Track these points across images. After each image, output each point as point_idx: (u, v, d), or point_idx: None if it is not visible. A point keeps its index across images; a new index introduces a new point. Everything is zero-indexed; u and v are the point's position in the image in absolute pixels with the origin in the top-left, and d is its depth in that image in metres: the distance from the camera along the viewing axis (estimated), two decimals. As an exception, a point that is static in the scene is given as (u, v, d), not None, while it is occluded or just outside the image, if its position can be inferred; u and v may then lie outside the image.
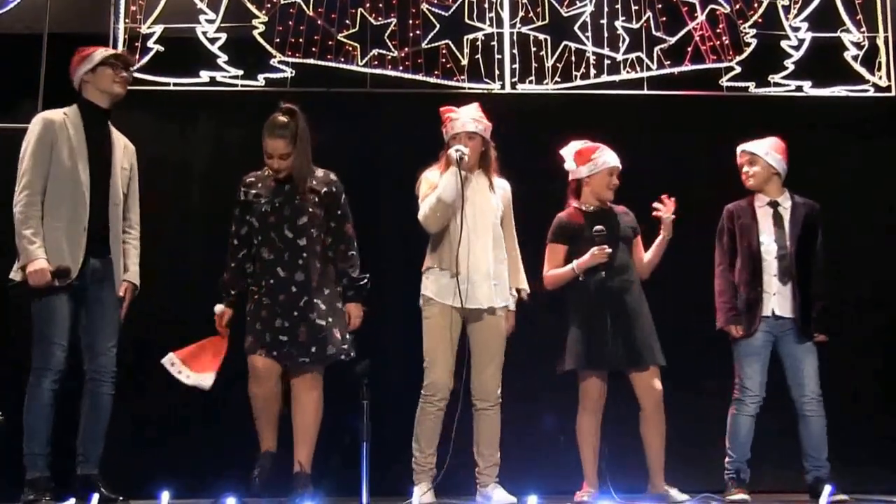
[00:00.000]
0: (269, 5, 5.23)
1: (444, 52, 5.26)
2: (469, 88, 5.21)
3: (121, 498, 3.91)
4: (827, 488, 3.90)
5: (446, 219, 4.08)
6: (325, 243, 4.05)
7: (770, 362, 4.33)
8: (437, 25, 5.27)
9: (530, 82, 5.28)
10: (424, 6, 5.28)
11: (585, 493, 4.22)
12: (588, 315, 4.20)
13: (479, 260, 4.09)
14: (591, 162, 4.36)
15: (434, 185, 4.11)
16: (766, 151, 4.42)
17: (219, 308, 4.07)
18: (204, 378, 4.02)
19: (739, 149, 4.51)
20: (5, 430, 4.11)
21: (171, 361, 4.03)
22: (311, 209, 4.00)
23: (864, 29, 5.34)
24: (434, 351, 4.09)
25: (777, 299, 4.28)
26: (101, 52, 4.07)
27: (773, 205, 4.40)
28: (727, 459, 4.31)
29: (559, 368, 4.27)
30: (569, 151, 4.43)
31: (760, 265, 4.31)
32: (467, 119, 4.19)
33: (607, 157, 4.36)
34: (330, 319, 3.96)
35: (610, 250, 4.16)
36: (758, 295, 4.29)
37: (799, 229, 4.33)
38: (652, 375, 4.22)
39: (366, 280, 4.10)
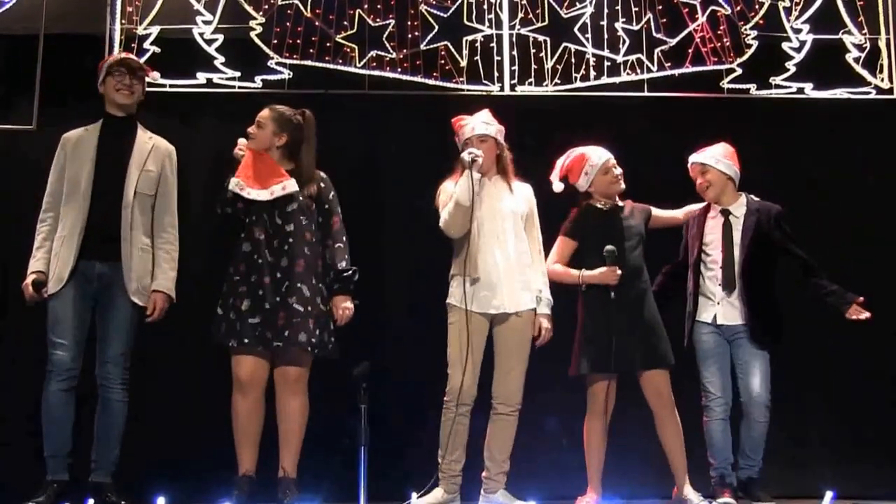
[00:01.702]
0: (266, 6, 5.21)
1: (442, 53, 5.24)
2: (468, 90, 5.19)
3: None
4: (829, 494, 3.87)
5: (467, 223, 4.08)
6: (313, 236, 4.06)
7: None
8: (436, 27, 5.25)
9: (530, 84, 5.25)
10: (423, 7, 5.26)
11: (589, 498, 4.19)
12: (600, 318, 4.17)
13: (497, 264, 4.08)
14: (583, 173, 4.34)
15: (450, 193, 4.12)
16: (716, 159, 4.38)
17: (242, 141, 4.10)
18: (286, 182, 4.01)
19: (690, 161, 4.47)
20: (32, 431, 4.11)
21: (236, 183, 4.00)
22: (300, 198, 4.05)
23: (865, 31, 5.32)
24: (455, 356, 4.07)
25: (722, 308, 4.27)
26: (107, 63, 4.12)
27: (725, 213, 4.37)
28: (710, 467, 4.26)
29: (571, 372, 4.25)
30: (556, 177, 4.39)
31: (701, 274, 4.32)
32: (477, 122, 4.22)
33: (594, 159, 4.33)
34: (309, 308, 3.95)
35: (620, 272, 4.14)
36: (696, 303, 4.31)
37: (750, 236, 4.28)
38: (662, 378, 4.20)
39: (351, 271, 4.07)
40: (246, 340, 3.91)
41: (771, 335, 4.25)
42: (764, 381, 4.22)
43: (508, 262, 4.11)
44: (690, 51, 5.27)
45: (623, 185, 4.35)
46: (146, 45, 5.13)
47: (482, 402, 4.13)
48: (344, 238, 4.12)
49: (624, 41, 5.28)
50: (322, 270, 4.06)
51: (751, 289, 4.25)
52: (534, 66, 5.26)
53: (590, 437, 4.23)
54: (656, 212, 4.45)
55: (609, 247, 4.15)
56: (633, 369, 4.18)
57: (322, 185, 4.14)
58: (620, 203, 4.38)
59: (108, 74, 4.07)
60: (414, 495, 4.00)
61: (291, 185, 4.00)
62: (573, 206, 4.39)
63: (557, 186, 4.39)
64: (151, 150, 4.10)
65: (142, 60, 5.03)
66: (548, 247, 4.34)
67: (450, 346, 4.12)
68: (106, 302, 3.96)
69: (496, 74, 5.24)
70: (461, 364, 4.03)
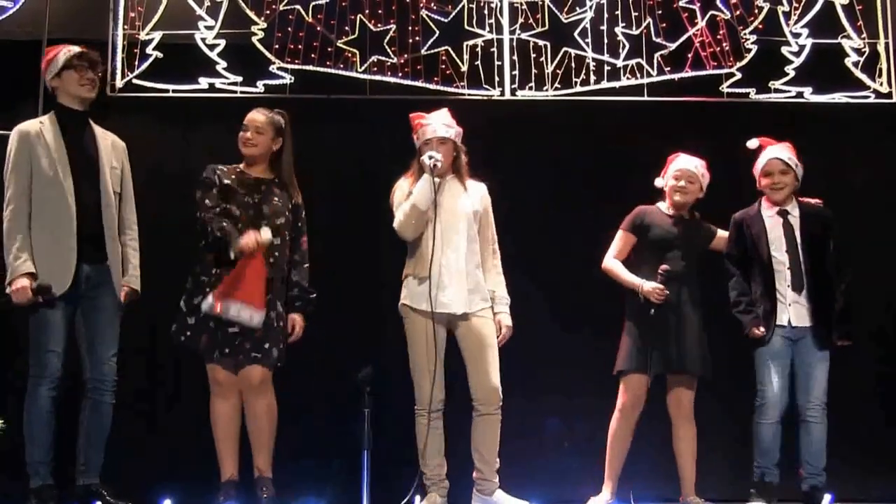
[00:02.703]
0: (268, 12, 5.22)
1: (443, 58, 5.25)
2: (469, 95, 5.20)
3: None
4: (826, 497, 3.88)
5: (421, 226, 4.04)
6: (290, 250, 4.09)
7: None
8: (437, 32, 5.26)
9: (530, 88, 5.26)
10: (424, 12, 5.27)
11: (602, 497, 4.23)
12: (643, 320, 4.22)
13: (452, 264, 4.04)
14: (667, 170, 4.44)
15: (405, 193, 4.09)
16: (796, 163, 4.38)
17: (267, 233, 3.91)
18: (253, 312, 3.85)
19: (771, 156, 4.39)
20: (9, 437, 4.11)
21: (210, 305, 3.84)
22: (286, 213, 4.07)
23: (864, 35, 5.33)
24: (419, 363, 4.03)
25: (794, 309, 4.26)
26: (63, 55, 3.97)
27: (783, 214, 4.37)
28: (754, 464, 4.28)
29: (616, 369, 4.29)
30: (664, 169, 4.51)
31: (773, 276, 4.29)
32: (439, 124, 4.15)
33: (675, 164, 4.42)
34: (281, 324, 4.02)
35: (668, 293, 4.19)
36: (773, 306, 4.27)
37: (809, 238, 4.31)
38: (686, 384, 4.25)
39: (315, 295, 4.12)
40: (227, 350, 3.94)
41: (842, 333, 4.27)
42: (823, 383, 4.24)
43: (460, 262, 4.06)
44: (690, 55, 5.28)
45: (682, 198, 4.37)
46: (148, 50, 5.14)
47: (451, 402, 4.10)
48: (307, 258, 4.15)
49: (624, 46, 5.29)
50: (283, 285, 4.08)
51: (817, 289, 4.26)
52: (534, 70, 5.27)
53: (615, 436, 4.26)
54: (721, 233, 4.47)
55: (665, 266, 4.21)
56: (666, 372, 4.22)
57: (298, 200, 4.17)
58: (686, 216, 4.42)
59: (69, 68, 3.95)
60: (417, 498, 4.01)
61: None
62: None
63: (658, 182, 4.48)
64: (112, 146, 4.05)
65: (144, 66, 5.11)
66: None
67: (412, 352, 4.06)
68: (94, 303, 3.91)
69: (497, 79, 5.25)
70: (427, 371, 3.99)
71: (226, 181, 4.05)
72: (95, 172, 3.94)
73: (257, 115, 4.15)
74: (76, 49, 4.03)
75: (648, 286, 4.21)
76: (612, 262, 4.36)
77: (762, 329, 4.24)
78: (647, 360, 4.17)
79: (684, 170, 4.39)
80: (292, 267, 4.10)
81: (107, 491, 3.91)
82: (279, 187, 4.13)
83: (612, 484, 4.25)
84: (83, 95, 3.98)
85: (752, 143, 4.46)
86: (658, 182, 4.48)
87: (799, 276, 4.27)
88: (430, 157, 4.02)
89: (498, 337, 4.12)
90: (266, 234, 3.91)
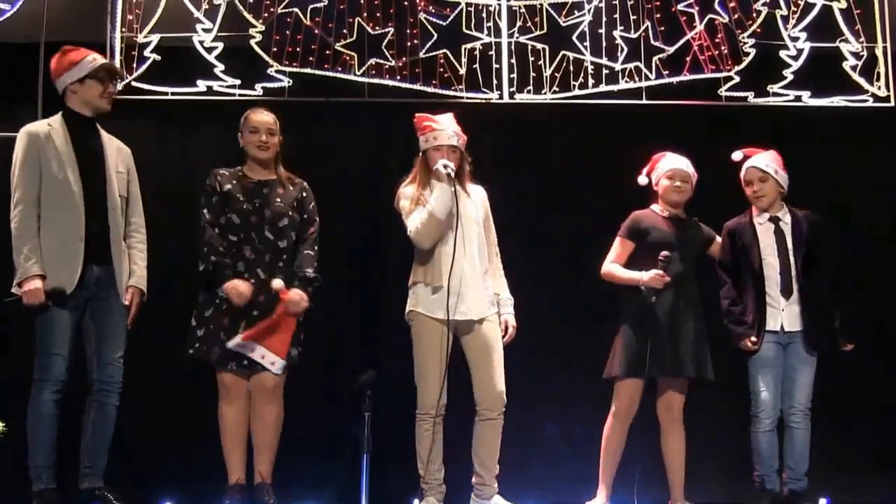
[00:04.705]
0: (266, 14, 5.21)
1: (441, 61, 5.25)
2: (467, 98, 5.20)
3: None
4: (822, 502, 3.89)
5: (440, 235, 3.99)
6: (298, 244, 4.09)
7: None
8: (435, 35, 5.25)
9: (528, 92, 5.26)
10: (422, 15, 5.26)
11: (597, 501, 4.22)
12: (639, 323, 4.21)
13: (466, 271, 4.03)
14: (655, 169, 4.43)
15: (414, 199, 4.04)
16: (774, 169, 4.39)
17: (278, 283, 3.95)
18: (276, 359, 3.91)
19: (748, 164, 4.43)
20: (9, 440, 4.10)
21: (239, 344, 3.89)
22: (290, 213, 4.06)
23: (862, 39, 5.32)
24: (425, 368, 4.01)
25: (786, 315, 4.26)
26: (89, 62, 3.98)
27: (774, 220, 4.38)
28: (754, 472, 4.27)
29: (606, 373, 4.27)
30: (645, 171, 4.50)
31: (764, 283, 4.29)
32: (451, 132, 4.10)
33: (665, 163, 4.41)
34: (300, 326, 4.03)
35: (668, 279, 4.17)
36: (763, 314, 4.27)
37: (802, 243, 4.32)
38: (677, 388, 4.25)
39: (315, 276, 4.07)
40: (245, 362, 3.94)
41: (827, 342, 4.28)
42: (807, 388, 4.24)
43: (474, 269, 4.05)
44: (688, 59, 5.28)
45: (680, 198, 4.37)
46: (146, 52, 5.12)
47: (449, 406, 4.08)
48: (315, 247, 4.12)
49: (622, 49, 5.29)
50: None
51: (808, 294, 4.26)
52: (532, 73, 5.27)
53: (609, 439, 4.25)
54: (719, 239, 4.47)
55: (666, 252, 4.19)
56: (660, 376, 4.22)
57: (304, 193, 4.15)
58: (683, 216, 4.41)
59: (94, 78, 3.97)
60: (416, 502, 4.01)
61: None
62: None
63: (642, 180, 4.47)
64: (117, 151, 4.06)
65: (142, 68, 5.11)
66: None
67: (418, 358, 4.03)
68: (101, 305, 3.93)
69: (495, 82, 5.25)
70: (434, 377, 3.97)
71: (227, 186, 4.05)
72: (103, 176, 3.95)
73: (266, 117, 4.15)
74: (102, 60, 4.07)
75: (648, 275, 4.19)
76: (610, 265, 4.35)
77: (754, 340, 4.25)
78: (642, 364, 4.15)
79: (678, 169, 4.38)
80: (296, 256, 4.09)
81: (111, 494, 3.91)
82: (281, 186, 4.12)
83: (606, 489, 4.25)
84: (101, 107, 4.02)
85: (737, 156, 4.48)
86: (642, 180, 4.46)
87: (789, 281, 4.27)
88: (445, 166, 3.96)
89: (504, 337, 4.13)
90: (277, 283, 3.94)
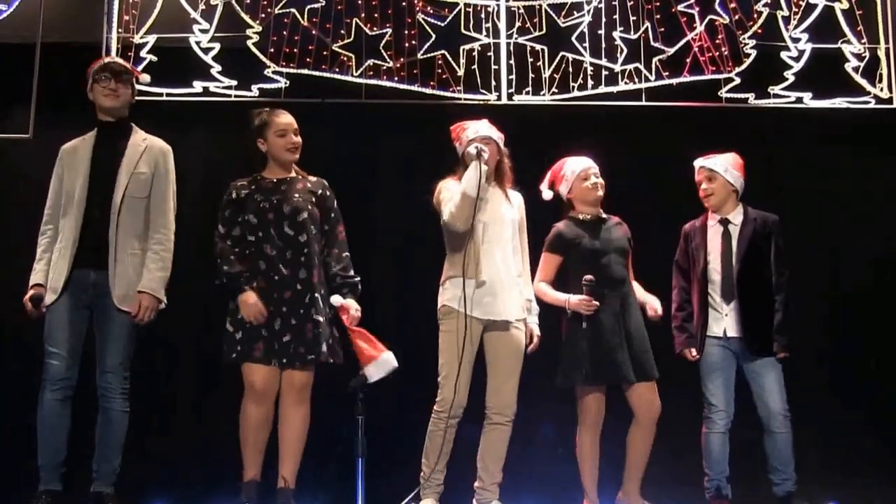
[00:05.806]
0: (263, 15, 5.20)
1: (439, 62, 5.22)
2: (465, 99, 5.17)
3: None
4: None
5: (471, 214, 3.97)
6: (320, 244, 4.05)
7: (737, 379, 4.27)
8: (433, 36, 5.23)
9: (527, 93, 5.23)
10: (420, 16, 5.24)
11: None
12: (586, 332, 4.13)
13: (499, 270, 4.04)
14: (563, 179, 4.35)
15: (454, 191, 4.05)
16: (724, 168, 4.35)
17: (338, 300, 3.94)
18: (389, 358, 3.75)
19: (697, 164, 4.42)
20: (19, 441, 4.08)
21: (365, 379, 3.69)
22: (309, 207, 4.03)
23: (864, 40, 5.30)
24: (450, 365, 3.99)
25: (729, 319, 4.23)
26: (93, 69, 4.07)
27: (724, 223, 4.34)
28: (705, 478, 4.23)
29: (559, 383, 4.21)
30: (545, 185, 4.41)
31: (707, 286, 4.27)
32: (481, 126, 4.17)
33: (573, 166, 4.34)
34: (327, 319, 3.98)
35: (598, 304, 4.11)
36: (706, 317, 4.25)
37: (745, 246, 4.26)
38: (652, 389, 4.18)
39: (359, 279, 4.07)
40: (284, 361, 3.90)
41: (769, 346, 4.20)
42: (779, 392, 4.18)
43: (508, 269, 4.07)
44: (688, 60, 5.25)
45: (600, 193, 4.31)
46: (143, 53, 5.12)
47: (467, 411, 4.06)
48: (347, 247, 4.11)
49: (622, 50, 5.26)
50: (326, 279, 4.05)
51: (748, 299, 4.21)
52: (531, 75, 5.24)
53: (582, 449, 4.21)
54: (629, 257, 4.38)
55: (588, 276, 4.12)
56: (625, 381, 4.15)
57: (327, 192, 4.13)
58: (604, 215, 4.35)
59: (94, 81, 4.03)
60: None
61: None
62: (556, 222, 4.36)
63: (546, 194, 4.38)
64: (144, 151, 4.03)
65: (139, 69, 5.07)
66: (536, 263, 4.31)
67: (444, 354, 4.03)
68: (101, 311, 3.93)
69: (493, 83, 5.22)
70: (464, 374, 3.96)
71: (244, 192, 4.04)
72: (111, 181, 3.95)
73: (289, 118, 4.14)
74: (103, 61, 4.16)
75: (575, 300, 4.13)
76: (539, 285, 4.27)
77: (693, 353, 4.23)
78: (601, 372, 4.09)
79: (587, 167, 4.32)
80: (330, 259, 4.06)
81: (114, 501, 3.89)
82: (301, 182, 4.10)
83: (592, 496, 4.20)
84: (105, 105, 4.04)
85: (698, 163, 4.43)
86: (546, 195, 4.36)
87: (730, 286, 4.23)
88: (476, 147, 4.01)
89: (530, 346, 4.13)
90: (336, 300, 3.94)
